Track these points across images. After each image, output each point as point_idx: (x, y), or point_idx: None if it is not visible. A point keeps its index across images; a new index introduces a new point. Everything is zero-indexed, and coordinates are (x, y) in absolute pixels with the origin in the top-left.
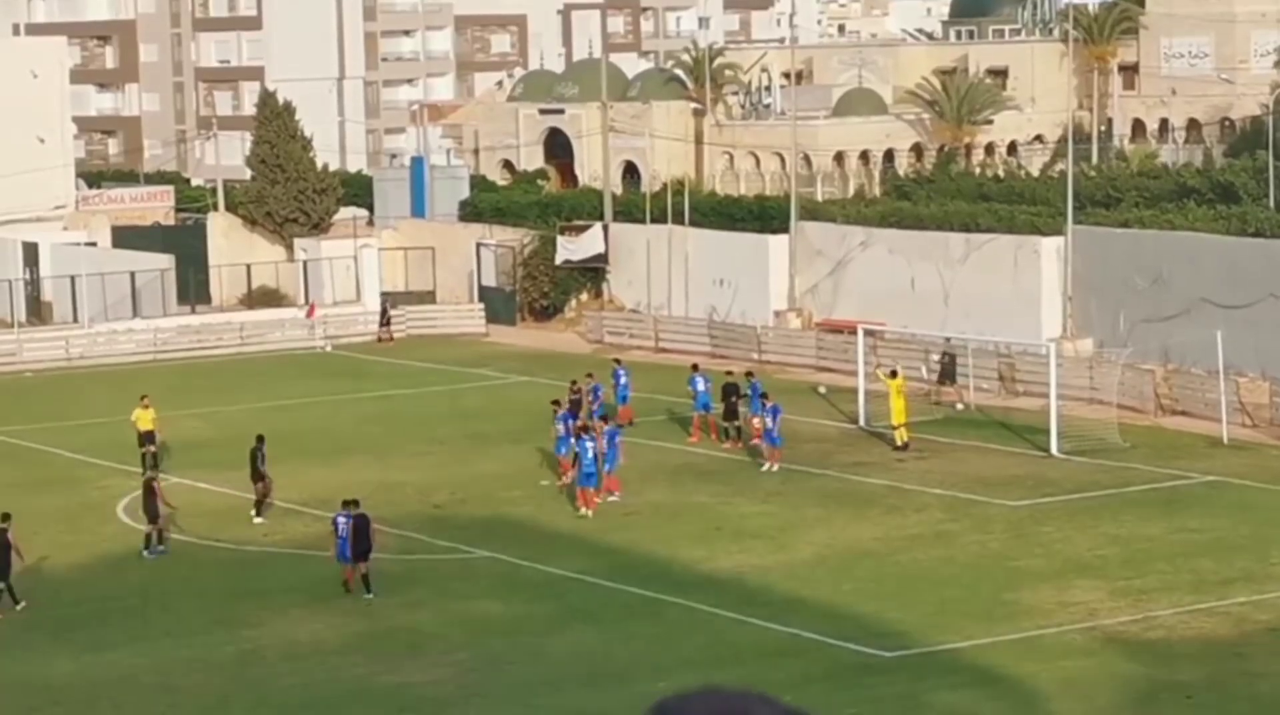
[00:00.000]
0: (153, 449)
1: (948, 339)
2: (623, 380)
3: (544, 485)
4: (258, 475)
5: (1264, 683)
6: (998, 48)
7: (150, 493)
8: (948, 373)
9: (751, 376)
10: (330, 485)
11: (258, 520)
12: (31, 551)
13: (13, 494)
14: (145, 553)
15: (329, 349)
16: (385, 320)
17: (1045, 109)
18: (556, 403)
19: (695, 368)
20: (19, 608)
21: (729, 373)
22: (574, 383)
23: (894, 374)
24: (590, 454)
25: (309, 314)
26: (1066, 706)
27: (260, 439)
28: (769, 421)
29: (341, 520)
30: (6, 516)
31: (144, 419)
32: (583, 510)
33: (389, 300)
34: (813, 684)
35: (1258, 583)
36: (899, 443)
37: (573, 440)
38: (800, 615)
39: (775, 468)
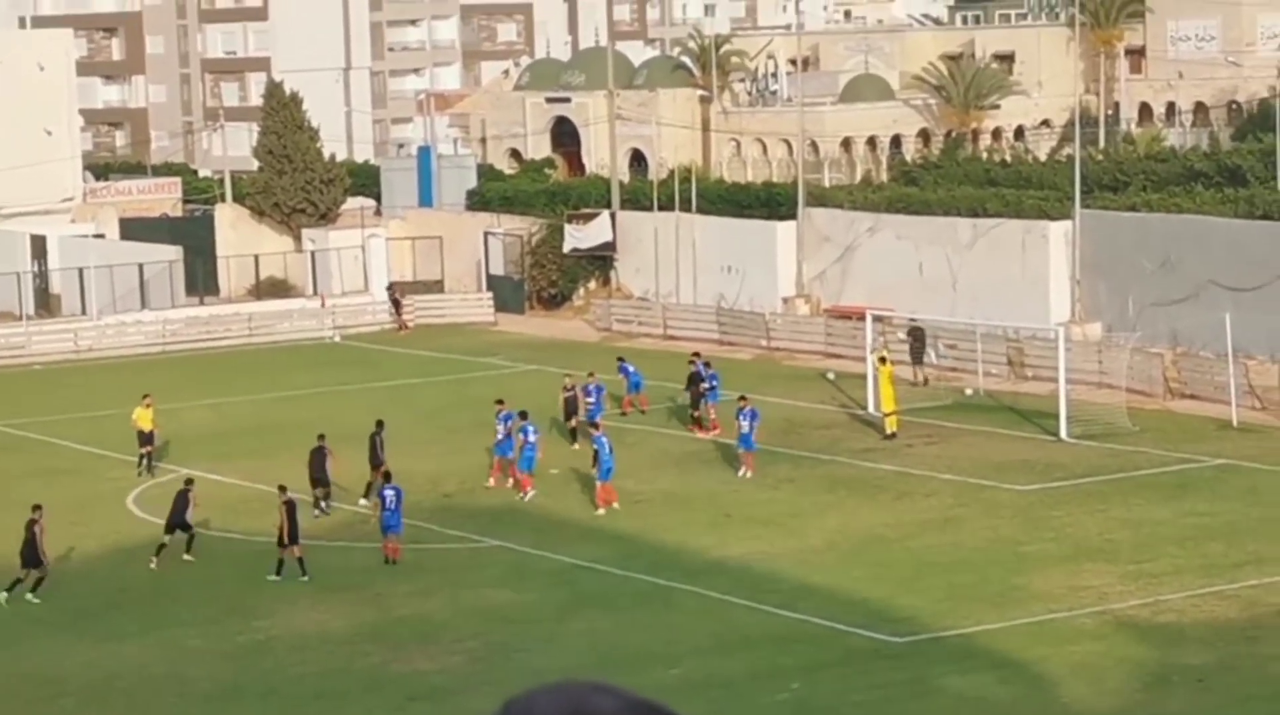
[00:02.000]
0: (150, 450)
1: (913, 318)
2: (631, 369)
3: (553, 473)
4: (376, 461)
5: (1275, 665)
6: (1004, 32)
7: (320, 456)
8: (916, 352)
9: (696, 357)
10: (340, 476)
11: (364, 502)
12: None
13: (23, 485)
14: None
15: (338, 339)
16: (398, 308)
17: (1052, 93)
18: (500, 402)
19: (696, 356)
20: (152, 565)
21: (692, 358)
22: (567, 380)
23: (883, 361)
24: (607, 449)
25: (322, 304)
26: (1077, 690)
27: (380, 424)
28: (745, 425)
29: (389, 493)
30: (190, 481)
31: (144, 418)
32: (600, 509)
33: (396, 289)
34: (824, 670)
35: (1268, 566)
36: (888, 431)
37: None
38: (811, 601)
39: (749, 475)
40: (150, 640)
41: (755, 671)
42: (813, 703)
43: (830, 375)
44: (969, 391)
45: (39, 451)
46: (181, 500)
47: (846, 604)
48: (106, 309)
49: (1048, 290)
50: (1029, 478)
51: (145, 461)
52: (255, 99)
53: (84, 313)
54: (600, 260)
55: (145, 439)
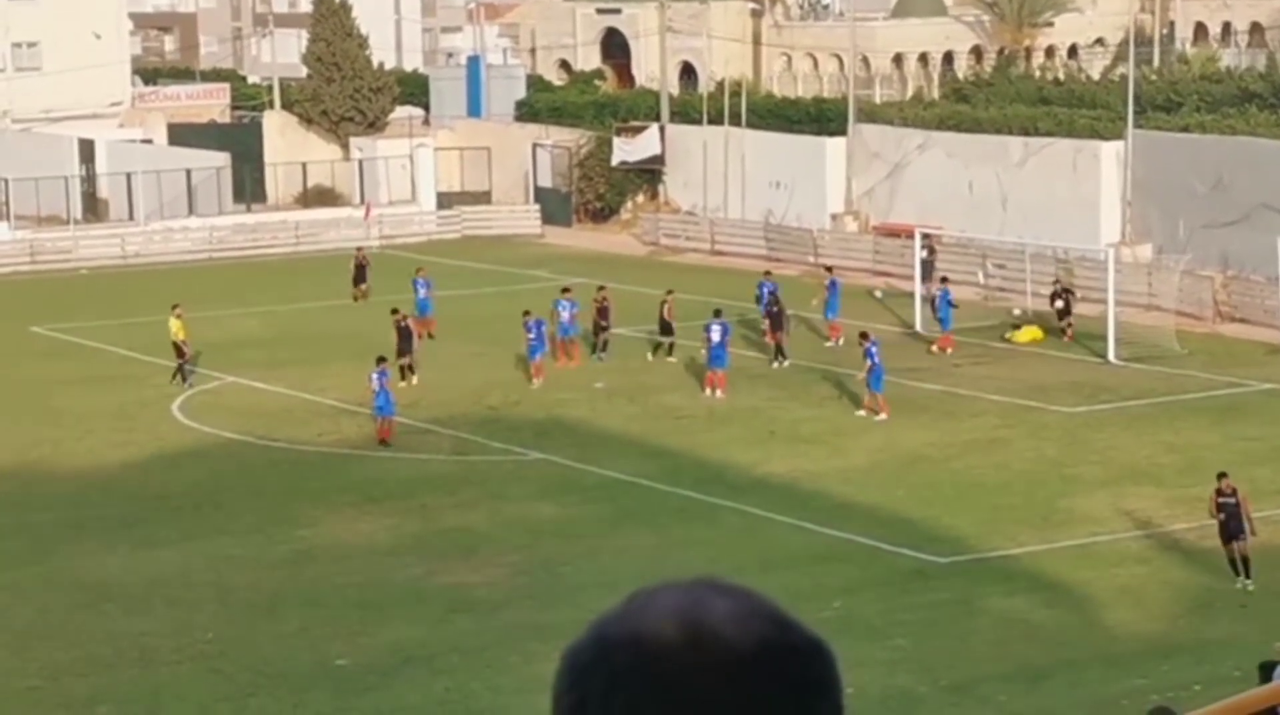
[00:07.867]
0: (184, 361)
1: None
2: (421, 293)
3: (598, 387)
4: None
5: None
6: None
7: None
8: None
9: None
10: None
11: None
12: (88, 451)
13: (68, 390)
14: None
15: (380, 248)
16: (361, 275)
17: (1106, 11)
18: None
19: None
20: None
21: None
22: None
23: (1017, 327)
24: (716, 337)
25: (366, 215)
26: (1121, 614)
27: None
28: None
29: (375, 376)
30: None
31: (178, 329)
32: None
33: (363, 256)
34: (867, 589)
35: None
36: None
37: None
38: (854, 520)
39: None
40: (192, 547)
41: (798, 589)
42: (856, 621)
43: (877, 293)
44: (1016, 311)
45: (85, 357)
46: None
47: (890, 523)
48: (154, 215)
49: (1098, 211)
50: (1076, 400)
51: (180, 371)
52: (305, 5)
53: (131, 218)
54: (648, 174)
55: (179, 349)
